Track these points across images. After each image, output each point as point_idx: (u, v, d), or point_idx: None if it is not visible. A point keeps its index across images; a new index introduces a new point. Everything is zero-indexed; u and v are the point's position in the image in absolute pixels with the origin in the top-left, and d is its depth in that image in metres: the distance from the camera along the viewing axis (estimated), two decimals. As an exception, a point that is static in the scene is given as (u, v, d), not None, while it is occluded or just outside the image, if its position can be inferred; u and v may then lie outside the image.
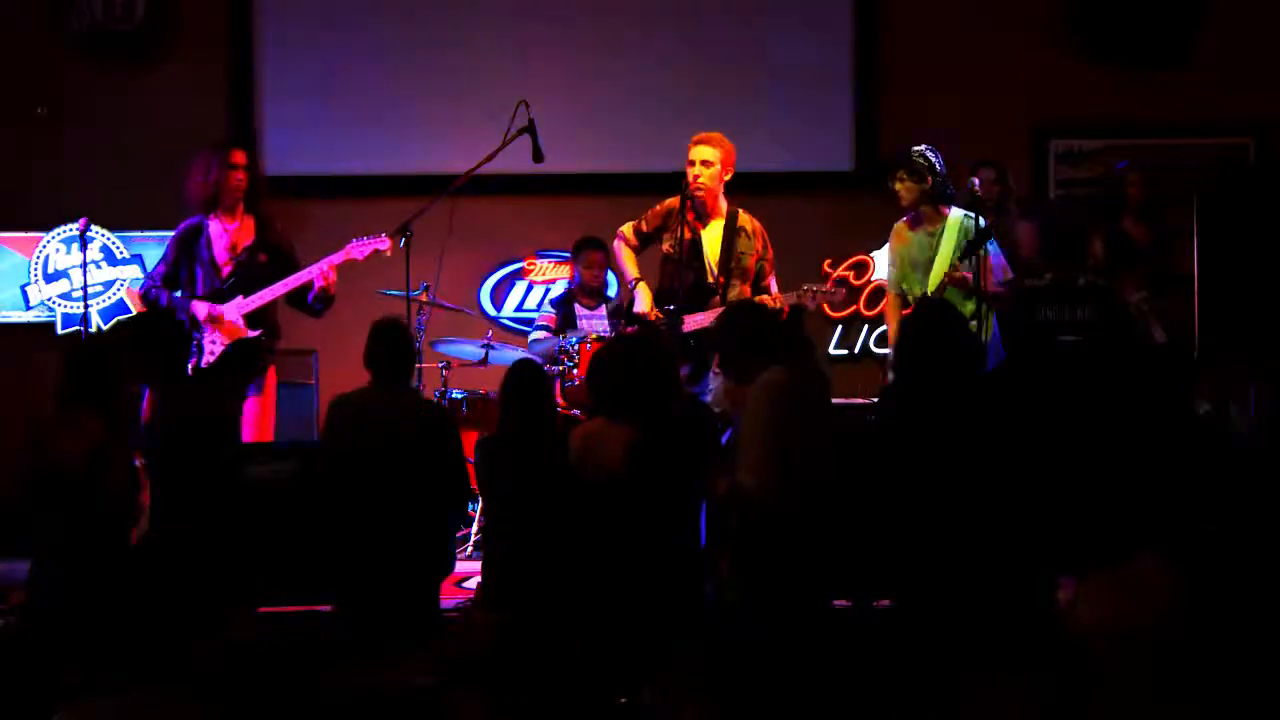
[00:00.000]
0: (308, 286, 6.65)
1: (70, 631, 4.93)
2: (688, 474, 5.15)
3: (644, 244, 6.88)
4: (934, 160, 6.73)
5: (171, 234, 6.80)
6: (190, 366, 6.54)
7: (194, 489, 5.33)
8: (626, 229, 6.88)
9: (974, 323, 6.62)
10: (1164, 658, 3.17)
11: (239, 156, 6.68)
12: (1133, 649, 3.12)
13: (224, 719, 3.27)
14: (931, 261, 6.74)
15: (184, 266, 6.65)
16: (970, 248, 6.46)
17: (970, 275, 6.47)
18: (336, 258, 6.63)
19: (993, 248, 6.73)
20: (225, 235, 6.67)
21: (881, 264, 8.34)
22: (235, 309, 6.59)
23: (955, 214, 6.78)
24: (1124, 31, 8.36)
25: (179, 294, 6.62)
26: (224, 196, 6.65)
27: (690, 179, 6.63)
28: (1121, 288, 7.37)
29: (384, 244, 6.66)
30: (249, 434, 6.70)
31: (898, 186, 6.76)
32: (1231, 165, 8.35)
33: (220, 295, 6.60)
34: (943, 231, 6.73)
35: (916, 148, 6.75)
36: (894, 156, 6.88)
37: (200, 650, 3.37)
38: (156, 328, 5.78)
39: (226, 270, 6.65)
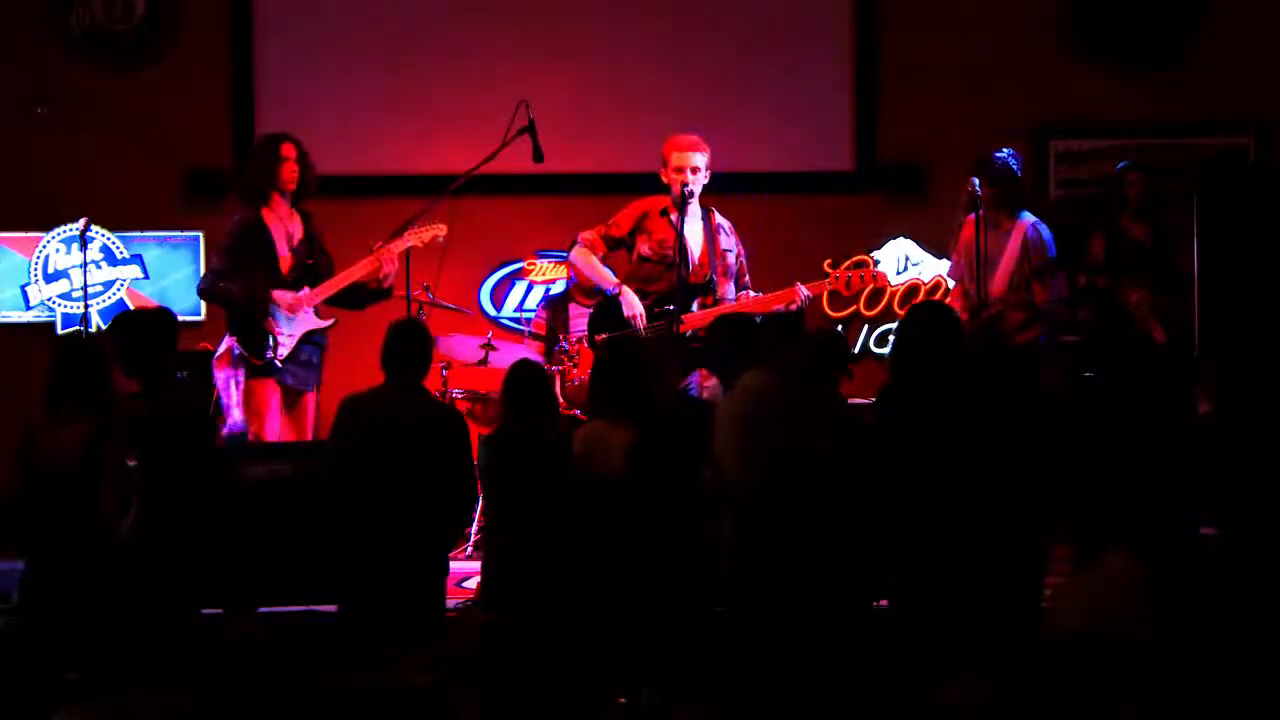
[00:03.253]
0: (362, 281, 6.73)
1: (69, 631, 4.93)
2: (687, 474, 5.16)
3: (612, 249, 6.82)
4: (1014, 166, 6.80)
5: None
6: (268, 357, 6.61)
7: (180, 487, 5.32)
8: (590, 235, 6.74)
9: (1027, 332, 6.75)
10: (1135, 657, 3.17)
11: (289, 149, 6.72)
12: (1106, 649, 3.12)
13: (224, 719, 3.27)
14: (995, 264, 6.77)
15: (244, 261, 6.67)
16: (1040, 272, 6.60)
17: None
18: (398, 245, 6.71)
19: (1053, 255, 6.85)
20: (282, 227, 6.71)
21: (884, 265, 8.35)
22: (308, 300, 6.65)
23: (1025, 220, 6.83)
24: (1124, 31, 8.35)
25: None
26: (276, 188, 6.69)
27: (682, 183, 6.56)
28: (1121, 288, 7.39)
29: (441, 230, 6.76)
30: (308, 430, 6.77)
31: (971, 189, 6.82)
32: (1231, 165, 8.35)
33: (285, 289, 6.67)
34: (1009, 236, 6.76)
35: (999, 153, 6.82)
36: (976, 159, 6.92)
37: (200, 650, 3.37)
38: (146, 325, 5.77)
39: (288, 263, 6.69)
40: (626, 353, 5.65)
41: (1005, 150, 6.87)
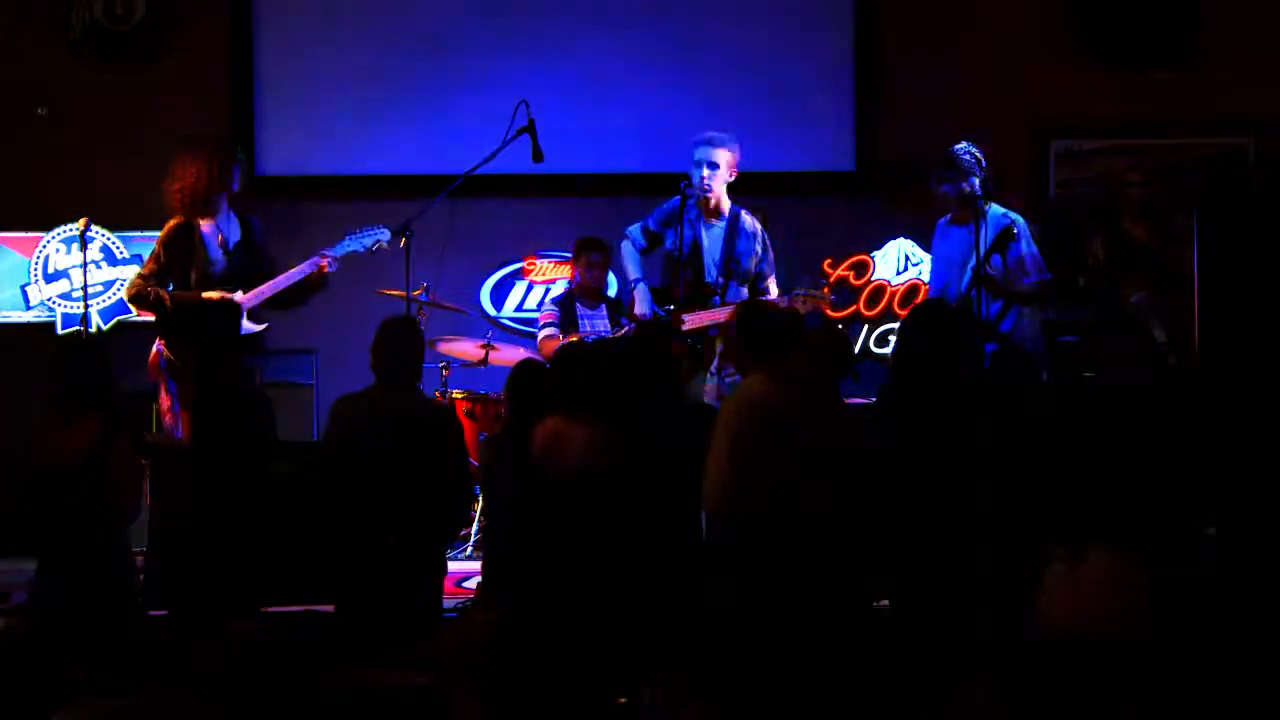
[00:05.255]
0: (302, 281, 6.62)
1: (70, 631, 4.93)
2: (672, 474, 5.15)
3: (653, 244, 6.92)
4: (980, 157, 6.76)
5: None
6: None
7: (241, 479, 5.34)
8: (635, 230, 6.95)
9: (1005, 323, 6.71)
10: (1121, 653, 3.16)
11: (239, 155, 6.67)
12: (1092, 645, 3.12)
13: (224, 719, 3.27)
14: (968, 260, 6.72)
15: (176, 266, 6.59)
16: (995, 248, 6.53)
17: (996, 276, 6.55)
18: (337, 250, 6.60)
19: (1026, 247, 6.75)
20: (217, 232, 6.63)
21: (884, 265, 8.34)
22: (243, 303, 6.59)
23: (995, 211, 6.81)
24: (1124, 31, 8.35)
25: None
26: (222, 195, 6.63)
27: (698, 181, 6.66)
28: (1121, 288, 7.38)
29: (384, 236, 6.65)
30: None
31: (947, 188, 6.77)
32: (1231, 165, 8.35)
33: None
34: (982, 229, 6.71)
35: (959, 146, 6.77)
36: (936, 158, 6.88)
37: (200, 650, 3.37)
38: (207, 315, 5.73)
39: (219, 267, 6.60)
40: (579, 352, 5.72)
41: (964, 144, 6.82)
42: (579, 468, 5.16)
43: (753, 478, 4.79)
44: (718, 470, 4.84)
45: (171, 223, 6.61)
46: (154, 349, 6.44)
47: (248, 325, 6.55)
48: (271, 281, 6.56)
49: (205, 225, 6.61)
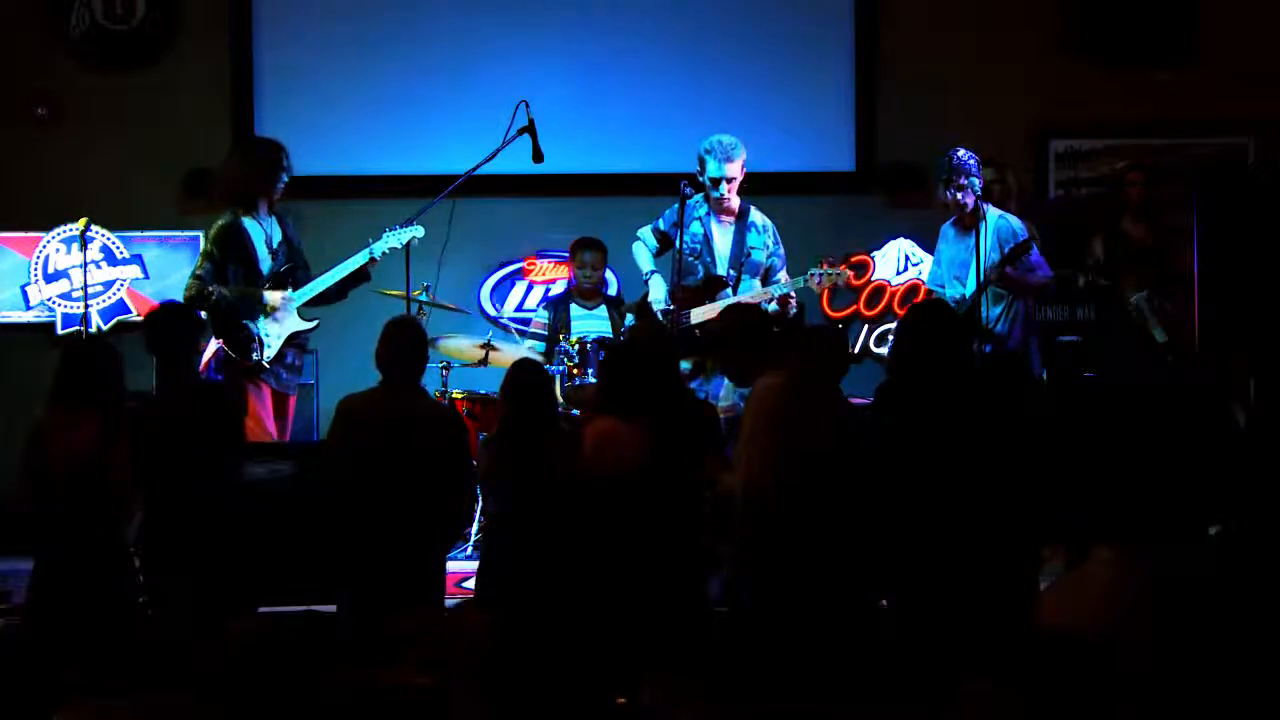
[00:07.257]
0: (348, 275, 6.79)
1: (70, 631, 4.93)
2: (694, 473, 5.16)
3: (663, 245, 7.04)
4: (977, 161, 6.82)
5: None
6: (256, 358, 6.66)
7: (194, 488, 5.32)
8: (645, 231, 7.10)
9: (999, 325, 6.75)
10: (1121, 653, 3.16)
11: (287, 158, 6.82)
12: (1092, 645, 3.12)
13: (224, 719, 3.27)
14: (970, 263, 6.74)
15: (228, 264, 6.71)
16: (1011, 256, 6.58)
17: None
18: (380, 244, 6.77)
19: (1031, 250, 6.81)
20: (262, 231, 6.75)
21: (884, 265, 8.35)
22: (287, 301, 6.71)
23: (993, 214, 6.84)
24: (1124, 31, 8.35)
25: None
26: (269, 194, 6.77)
27: (724, 191, 6.76)
28: (1121, 288, 7.38)
29: (419, 231, 6.82)
30: (288, 432, 6.86)
31: (957, 194, 6.79)
32: (1231, 165, 8.35)
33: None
34: (982, 232, 6.73)
35: (960, 153, 6.79)
36: (936, 165, 6.94)
37: (200, 650, 3.36)
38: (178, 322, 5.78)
39: (266, 265, 6.73)
40: (642, 349, 5.68)
41: (961, 151, 6.86)
42: (635, 468, 5.11)
43: (773, 464, 4.80)
44: (752, 462, 4.83)
45: (220, 222, 6.72)
46: (212, 349, 6.58)
47: (299, 322, 6.70)
48: (320, 277, 6.69)
49: (250, 223, 6.72)
